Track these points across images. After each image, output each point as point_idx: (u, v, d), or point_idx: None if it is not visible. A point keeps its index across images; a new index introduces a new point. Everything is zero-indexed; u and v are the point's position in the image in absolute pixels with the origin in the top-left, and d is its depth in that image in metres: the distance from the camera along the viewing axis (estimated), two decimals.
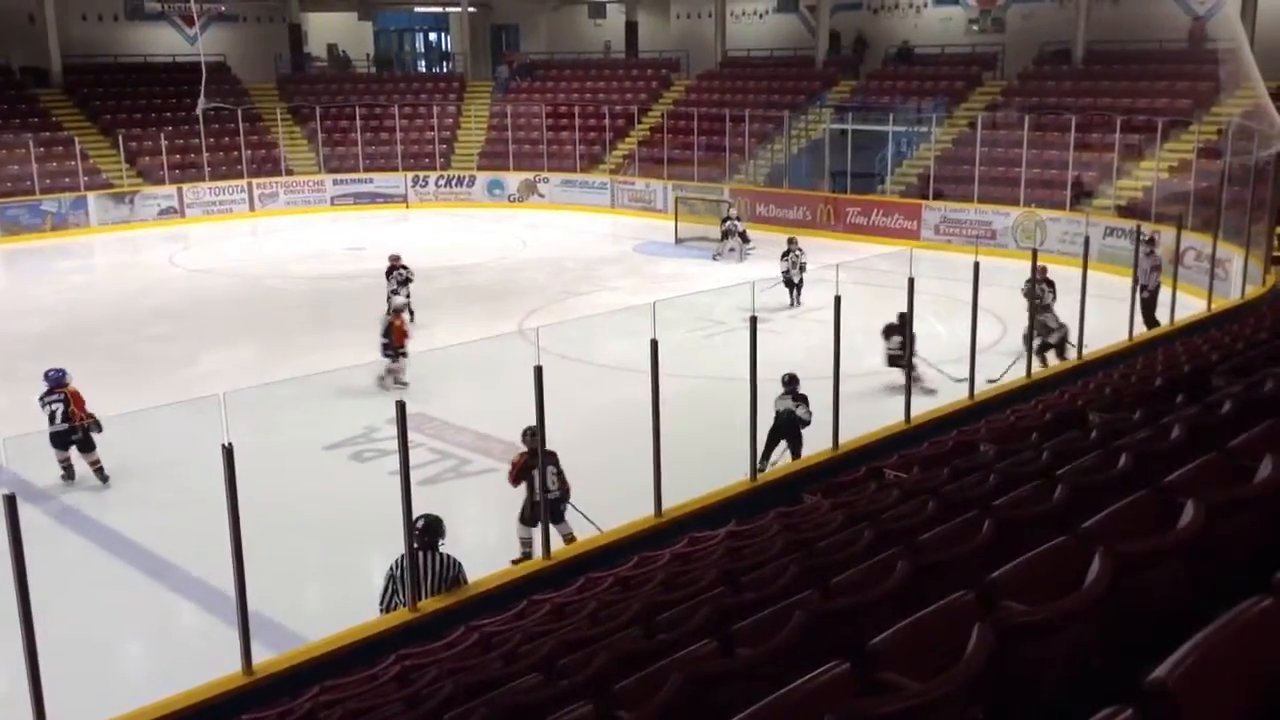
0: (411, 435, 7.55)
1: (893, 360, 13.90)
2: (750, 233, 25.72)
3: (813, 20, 33.74)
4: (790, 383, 11.29)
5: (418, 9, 41.52)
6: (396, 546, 7.30)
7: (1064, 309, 14.05)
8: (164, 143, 29.75)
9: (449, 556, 7.55)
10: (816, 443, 10.13)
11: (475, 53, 38.01)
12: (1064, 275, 14.86)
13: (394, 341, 14.80)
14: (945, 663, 2.46)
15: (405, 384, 14.53)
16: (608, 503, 10.64)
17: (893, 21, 32.94)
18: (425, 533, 7.55)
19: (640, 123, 32.68)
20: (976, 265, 11.27)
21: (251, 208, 30.50)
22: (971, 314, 11.37)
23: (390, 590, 7.58)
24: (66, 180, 28.19)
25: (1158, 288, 15.98)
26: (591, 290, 21.22)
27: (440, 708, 3.79)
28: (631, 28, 37.55)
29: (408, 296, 17.96)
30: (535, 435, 8.43)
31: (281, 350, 17.20)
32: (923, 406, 10.97)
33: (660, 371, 8.22)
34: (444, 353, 14.52)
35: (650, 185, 30.25)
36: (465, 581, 7.54)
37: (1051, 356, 14.19)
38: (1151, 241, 16.55)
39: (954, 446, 7.88)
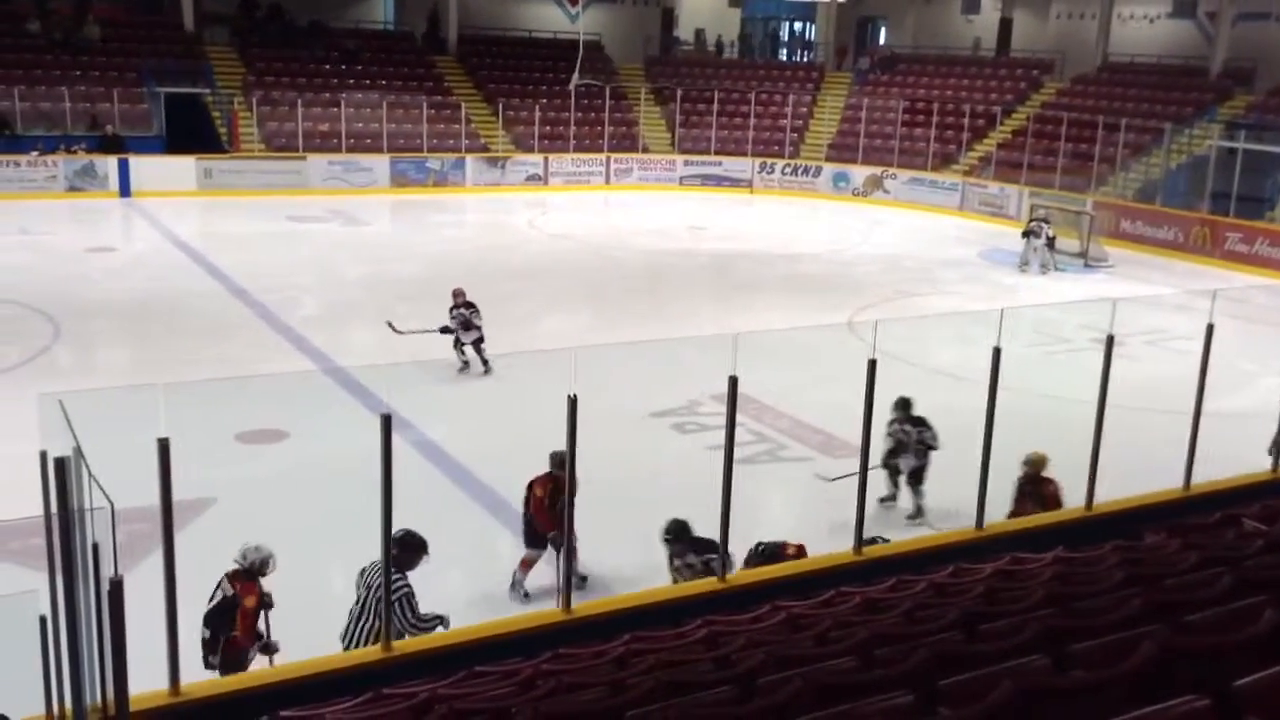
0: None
1: (890, 456, 10.51)
2: (1109, 250, 24.15)
3: (1210, 28, 30.93)
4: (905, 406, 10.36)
5: None
6: (709, 517, 7.42)
7: None
8: (537, 114, 31.82)
9: (403, 581, 6.79)
10: (1163, 480, 9.38)
11: (838, 43, 37.84)
12: None
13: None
14: None
15: None
16: (924, 507, 10.44)
17: None
18: (404, 549, 6.83)
19: (1002, 124, 31.32)
20: None
21: (607, 181, 32.03)
22: None
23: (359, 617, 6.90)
24: (450, 142, 30.78)
25: None
26: (928, 292, 20.67)
27: (752, 672, 3.87)
28: (1005, 25, 35.99)
29: (469, 345, 14.46)
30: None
31: (618, 317, 18.00)
32: None
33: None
34: (770, 336, 14.64)
35: (1004, 190, 28.96)
36: (408, 607, 6.75)
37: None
38: None
39: None
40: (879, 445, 10.43)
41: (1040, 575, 5.60)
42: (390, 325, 14.57)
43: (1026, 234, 22.86)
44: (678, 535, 8.24)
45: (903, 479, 10.61)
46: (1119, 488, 8.73)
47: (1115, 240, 25.00)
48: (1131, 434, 10.91)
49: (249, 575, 7.05)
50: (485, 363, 14.40)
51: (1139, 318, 17.44)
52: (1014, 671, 2.97)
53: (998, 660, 3.17)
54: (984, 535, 8.07)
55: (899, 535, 9.14)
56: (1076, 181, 27.61)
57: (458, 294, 14.61)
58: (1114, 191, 27.39)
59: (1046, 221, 23.01)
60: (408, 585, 6.78)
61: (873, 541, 8.11)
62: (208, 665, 6.96)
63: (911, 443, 10.33)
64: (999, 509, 8.33)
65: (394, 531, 6.71)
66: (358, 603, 7.05)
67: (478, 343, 14.35)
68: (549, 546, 9.04)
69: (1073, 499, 8.54)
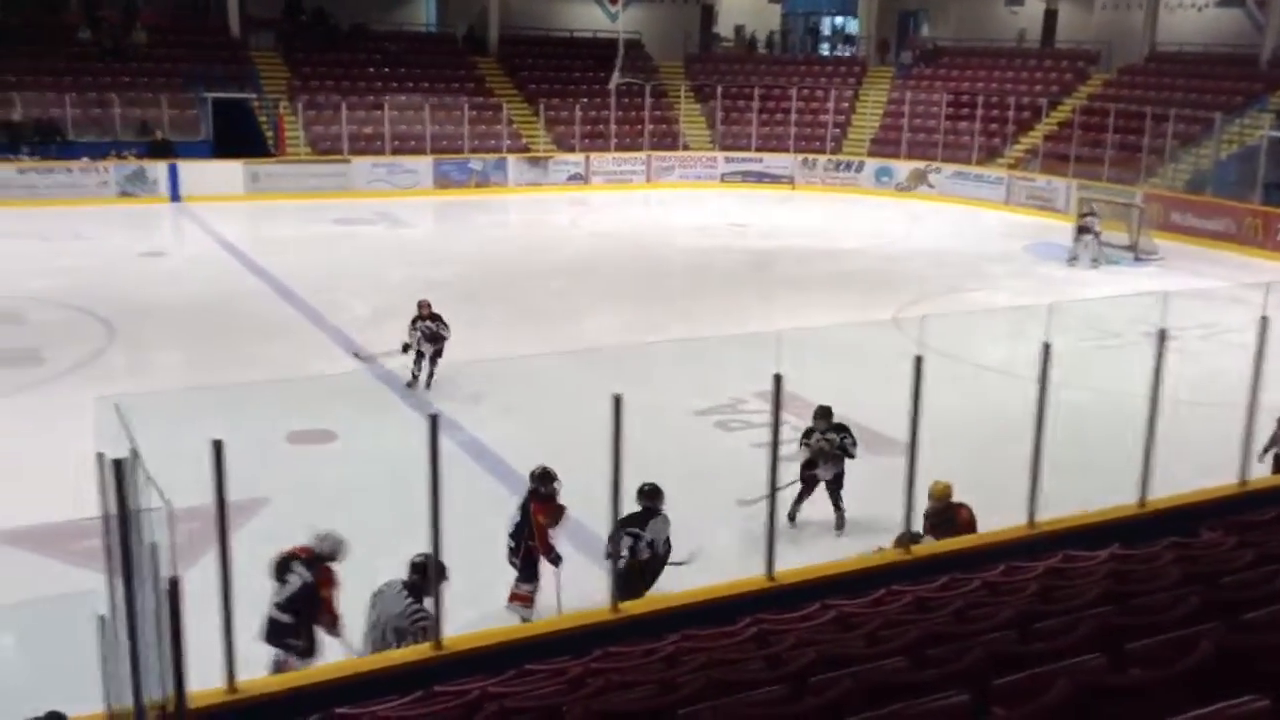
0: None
1: (808, 466, 10.30)
2: (1159, 242, 23.81)
3: (1260, 16, 30.36)
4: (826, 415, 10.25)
5: None
6: (755, 515, 7.39)
7: None
8: (578, 113, 31.89)
9: (420, 609, 6.66)
10: (1218, 476, 9.23)
11: (880, 37, 37.56)
12: None
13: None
14: None
15: None
16: (973, 505, 10.32)
17: None
18: (424, 575, 6.61)
19: (1048, 117, 30.96)
20: None
21: (648, 179, 32.05)
22: None
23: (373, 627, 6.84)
24: (492, 142, 30.94)
25: None
26: (975, 288, 20.49)
27: (803, 671, 3.86)
28: (1050, 16, 35.57)
29: (426, 358, 13.62)
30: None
31: (661, 314, 18.00)
32: None
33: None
34: (814, 334, 14.57)
35: (1052, 183, 28.61)
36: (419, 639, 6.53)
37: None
38: None
39: None
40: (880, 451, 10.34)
41: (1095, 573, 5.53)
42: (356, 355, 14.30)
43: (1081, 229, 22.60)
44: (657, 495, 8.32)
45: (820, 488, 10.43)
46: (1173, 484, 8.61)
47: (1165, 232, 24.63)
48: (1185, 429, 10.78)
49: (322, 560, 7.10)
50: (429, 376, 13.60)
51: (1191, 311, 17.15)
52: (1070, 670, 2.94)
53: (1053, 659, 3.14)
54: (1036, 533, 7.99)
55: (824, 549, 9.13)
56: (1126, 174, 27.24)
57: (423, 305, 13.72)
58: (1163, 183, 26.98)
59: (1095, 215, 22.75)
60: (428, 616, 6.50)
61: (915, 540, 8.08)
62: (286, 647, 7.01)
63: (832, 451, 10.21)
64: (1049, 507, 8.21)
65: (414, 556, 6.75)
66: (375, 628, 6.83)
67: (435, 356, 13.55)
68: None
69: (1126, 496, 8.43)
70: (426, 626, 6.46)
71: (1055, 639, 3.57)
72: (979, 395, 13.48)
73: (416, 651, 6.34)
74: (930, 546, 8.05)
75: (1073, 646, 3.34)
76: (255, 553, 7.25)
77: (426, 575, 6.60)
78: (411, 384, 13.64)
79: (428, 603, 6.60)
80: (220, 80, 29.48)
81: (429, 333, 13.48)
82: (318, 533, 7.17)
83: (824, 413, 10.41)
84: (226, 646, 5.55)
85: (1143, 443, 8.28)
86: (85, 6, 31.40)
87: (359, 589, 7.64)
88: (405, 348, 13.56)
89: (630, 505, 8.10)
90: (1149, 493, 8.35)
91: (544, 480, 8.53)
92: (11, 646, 7.62)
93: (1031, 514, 8.04)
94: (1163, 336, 8.23)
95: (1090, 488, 8.87)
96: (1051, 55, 34.58)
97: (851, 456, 10.20)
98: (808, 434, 10.34)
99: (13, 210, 24.62)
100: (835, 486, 10.38)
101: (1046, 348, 7.74)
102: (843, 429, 10.28)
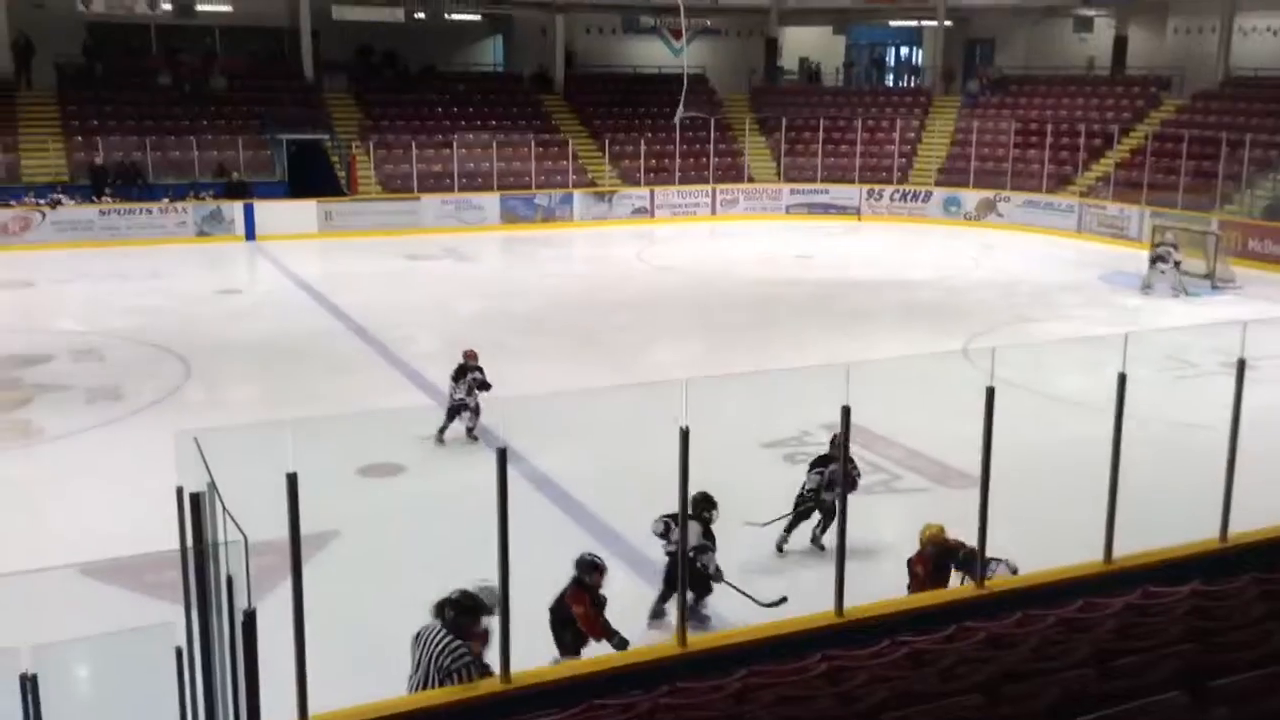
0: None
1: (801, 502, 10.34)
2: (1237, 270, 23.27)
3: None
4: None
5: (893, 23, 41.49)
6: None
7: None
8: (643, 148, 32.12)
9: (462, 647, 6.30)
10: None
11: (946, 67, 37.35)
12: None
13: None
14: None
15: None
16: (1046, 541, 10.08)
17: None
18: (461, 612, 6.34)
19: (1120, 143, 30.48)
20: None
21: (713, 211, 32.13)
22: None
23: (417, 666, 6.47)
24: (558, 178, 31.26)
25: None
26: (1046, 317, 20.16)
27: (875, 709, 3.80)
28: (1120, 42, 35.06)
29: (470, 410, 12.78)
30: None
31: (727, 347, 17.96)
32: None
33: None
34: (882, 365, 14.42)
35: (1125, 210, 28.11)
36: (469, 678, 6.23)
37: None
38: None
39: None
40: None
41: (1175, 609, 5.38)
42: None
43: (1155, 258, 22.17)
44: (704, 504, 8.47)
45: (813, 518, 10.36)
46: (1256, 518, 8.35)
47: (1243, 260, 24.07)
48: (1267, 461, 10.47)
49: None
50: (470, 429, 12.91)
51: (1271, 340, 16.69)
52: (1151, 709, 2.85)
53: (1134, 697, 3.05)
54: (1113, 568, 7.79)
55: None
56: (1201, 200, 26.70)
57: (469, 355, 12.97)
58: (1240, 210, 26.39)
59: (1174, 245, 22.33)
60: (469, 654, 6.31)
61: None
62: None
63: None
64: (1126, 541, 8.01)
65: (450, 593, 6.55)
66: (417, 671, 6.50)
67: (478, 407, 12.74)
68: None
69: (1206, 530, 8.19)
70: (471, 664, 6.32)
71: (1136, 677, 3.47)
72: (1052, 428, 13.23)
73: (485, 686, 6.34)
74: (1005, 581, 7.88)
75: (1154, 685, 3.25)
76: (326, 585, 7.33)
77: (465, 612, 6.43)
78: (439, 437, 12.85)
79: (484, 631, 6.53)
80: (295, 123, 30.22)
81: (478, 383, 12.79)
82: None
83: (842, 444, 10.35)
84: (299, 678, 5.61)
85: (1224, 474, 8.06)
86: (166, 53, 32.46)
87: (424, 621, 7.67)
88: (463, 409, 12.78)
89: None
90: (1230, 526, 8.13)
91: (590, 570, 7.94)
92: (90, 678, 7.79)
93: (1108, 548, 7.86)
94: (1242, 366, 8.02)
95: (1168, 521, 8.65)
96: (1123, 82, 34.08)
97: (854, 488, 10.05)
98: (823, 461, 10.27)
99: (95, 250, 25.44)
100: (832, 512, 10.17)
101: (1122, 378, 7.58)
102: (850, 460, 10.14)
